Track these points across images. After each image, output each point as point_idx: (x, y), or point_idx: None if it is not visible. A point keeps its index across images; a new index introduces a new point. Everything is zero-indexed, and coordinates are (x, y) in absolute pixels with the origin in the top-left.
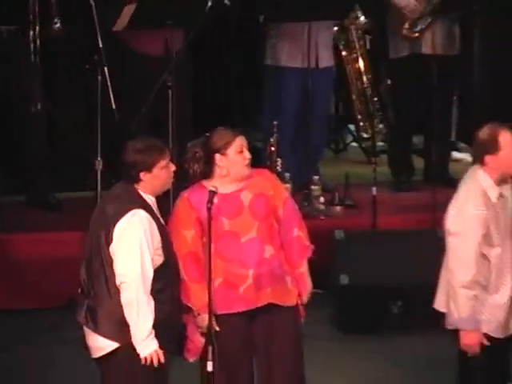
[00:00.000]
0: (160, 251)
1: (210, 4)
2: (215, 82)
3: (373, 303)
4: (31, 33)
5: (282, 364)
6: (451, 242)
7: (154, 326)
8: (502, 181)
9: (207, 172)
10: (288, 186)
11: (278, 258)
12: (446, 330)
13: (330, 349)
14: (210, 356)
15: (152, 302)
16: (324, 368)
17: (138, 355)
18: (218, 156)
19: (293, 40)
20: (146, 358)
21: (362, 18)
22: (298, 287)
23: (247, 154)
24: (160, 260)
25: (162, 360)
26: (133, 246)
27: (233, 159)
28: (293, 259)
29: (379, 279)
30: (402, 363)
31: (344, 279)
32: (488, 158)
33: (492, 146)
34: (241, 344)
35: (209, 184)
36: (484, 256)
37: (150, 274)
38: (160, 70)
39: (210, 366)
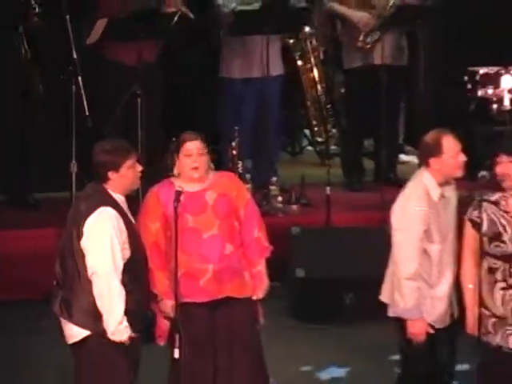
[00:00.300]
0: (127, 245)
1: (176, 18)
2: (183, 90)
3: (326, 295)
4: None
5: (242, 352)
6: (396, 237)
7: (126, 315)
8: (445, 182)
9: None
10: (249, 186)
11: (237, 254)
12: (390, 319)
13: (287, 337)
14: (176, 344)
15: (123, 292)
16: (281, 355)
17: (109, 343)
18: (175, 158)
19: (244, 52)
20: (118, 344)
21: (308, 29)
22: (255, 284)
23: (195, 158)
24: (128, 254)
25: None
26: (103, 241)
27: (182, 162)
28: (252, 258)
29: (332, 272)
30: (354, 349)
31: (300, 272)
32: (432, 161)
33: (436, 149)
34: (203, 332)
35: (176, 181)
36: (425, 251)
37: (121, 266)
38: (133, 78)
39: (176, 353)
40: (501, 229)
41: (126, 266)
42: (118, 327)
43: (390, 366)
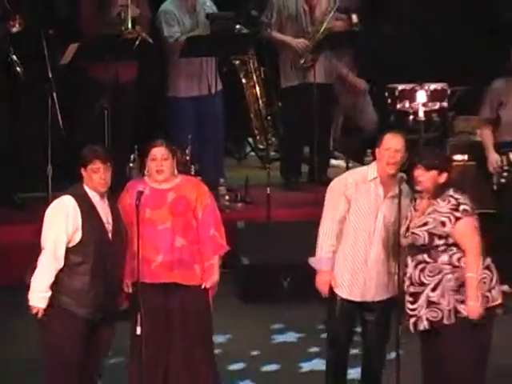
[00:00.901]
0: (80, 232)
1: (137, 43)
2: (151, 105)
3: (268, 279)
4: None
5: (194, 328)
6: (325, 202)
7: (70, 293)
8: (387, 178)
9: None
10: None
11: (190, 248)
12: (323, 300)
13: (234, 315)
14: (138, 321)
15: (52, 271)
16: (230, 330)
17: (67, 316)
18: (145, 161)
19: (188, 73)
20: (32, 307)
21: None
22: (206, 275)
23: (159, 162)
24: (78, 237)
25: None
26: (51, 223)
27: (149, 165)
28: (206, 253)
29: (272, 260)
30: (292, 324)
31: (245, 260)
32: (376, 151)
33: (379, 142)
34: (157, 309)
35: (148, 180)
36: (341, 231)
37: (62, 248)
38: (104, 93)
39: (138, 330)
40: (403, 220)
41: (76, 249)
42: (32, 294)
43: (320, 337)
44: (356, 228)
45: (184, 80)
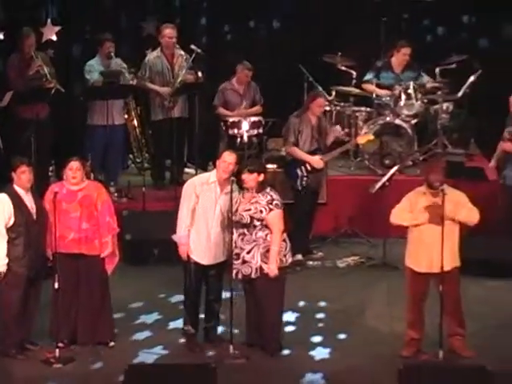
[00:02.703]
0: (13, 217)
1: (53, 91)
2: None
3: (144, 249)
4: None
5: (96, 284)
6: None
7: (13, 258)
8: (223, 180)
9: None
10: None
11: (92, 230)
12: (182, 263)
13: (123, 274)
14: (56, 279)
15: (4, 244)
16: (120, 286)
17: (12, 274)
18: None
19: (100, 108)
20: (15, 276)
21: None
22: (103, 248)
23: (73, 172)
24: (12, 222)
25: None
26: None
27: (66, 173)
28: (103, 233)
29: (147, 237)
30: (161, 281)
31: (128, 237)
32: (216, 162)
33: (219, 155)
34: (68, 273)
35: (65, 183)
36: (192, 216)
37: (3, 229)
38: (28, 127)
39: (56, 285)
40: (234, 206)
41: (11, 228)
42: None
43: (181, 288)
44: (202, 214)
45: (97, 113)
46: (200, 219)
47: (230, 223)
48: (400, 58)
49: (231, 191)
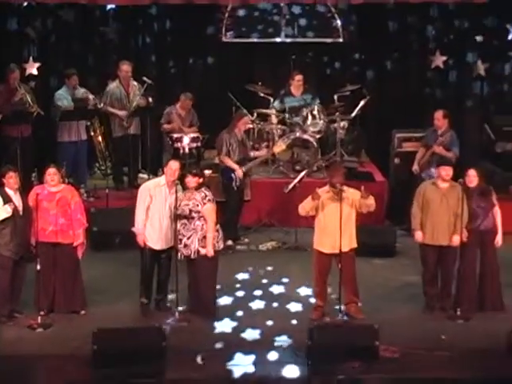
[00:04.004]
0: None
1: (35, 114)
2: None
3: (108, 239)
4: None
5: (68, 266)
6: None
7: (2, 244)
8: (172, 182)
9: None
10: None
11: (67, 224)
12: (139, 249)
13: (91, 258)
14: (38, 262)
15: None
16: (89, 267)
17: (0, 256)
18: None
19: (69, 130)
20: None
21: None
22: (75, 239)
23: (52, 177)
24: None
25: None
26: None
27: (46, 178)
28: (75, 226)
29: (110, 228)
30: (123, 264)
31: (95, 229)
32: (164, 169)
33: (166, 164)
34: (48, 257)
35: (46, 185)
36: (147, 212)
37: None
38: (15, 143)
39: (38, 267)
40: (179, 202)
41: (2, 221)
42: None
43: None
44: (156, 210)
45: (66, 131)
46: (154, 214)
47: (175, 216)
48: (295, 84)
49: (176, 191)
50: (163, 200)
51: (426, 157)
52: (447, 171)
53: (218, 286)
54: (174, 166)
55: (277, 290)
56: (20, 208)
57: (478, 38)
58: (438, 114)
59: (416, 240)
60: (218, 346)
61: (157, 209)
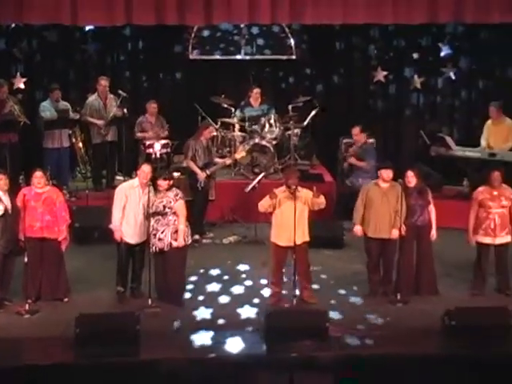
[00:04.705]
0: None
1: (22, 123)
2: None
3: (88, 233)
4: None
5: (53, 258)
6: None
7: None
8: (145, 184)
9: None
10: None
11: (52, 221)
12: (116, 244)
13: (74, 251)
14: (26, 255)
15: None
16: (72, 259)
17: None
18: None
19: (52, 136)
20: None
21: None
22: (59, 234)
23: (39, 179)
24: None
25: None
26: None
27: (33, 180)
28: (59, 223)
29: (91, 224)
30: (104, 256)
31: (77, 224)
32: (137, 172)
33: (139, 167)
34: (36, 250)
35: (33, 187)
36: (123, 211)
37: None
38: (4, 149)
39: (26, 260)
40: (152, 201)
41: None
42: None
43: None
44: (131, 209)
45: (50, 139)
46: (129, 213)
47: (148, 214)
48: (254, 96)
49: (149, 192)
50: (137, 199)
51: (346, 167)
52: (388, 173)
53: (186, 276)
54: (146, 169)
55: (239, 278)
56: (9, 207)
57: (415, 56)
58: (355, 130)
59: (355, 233)
60: (178, 326)
61: (131, 207)
